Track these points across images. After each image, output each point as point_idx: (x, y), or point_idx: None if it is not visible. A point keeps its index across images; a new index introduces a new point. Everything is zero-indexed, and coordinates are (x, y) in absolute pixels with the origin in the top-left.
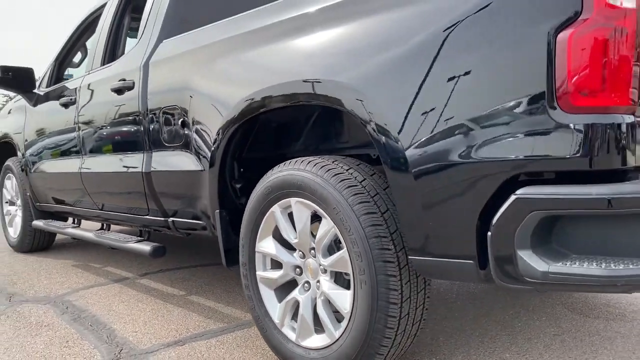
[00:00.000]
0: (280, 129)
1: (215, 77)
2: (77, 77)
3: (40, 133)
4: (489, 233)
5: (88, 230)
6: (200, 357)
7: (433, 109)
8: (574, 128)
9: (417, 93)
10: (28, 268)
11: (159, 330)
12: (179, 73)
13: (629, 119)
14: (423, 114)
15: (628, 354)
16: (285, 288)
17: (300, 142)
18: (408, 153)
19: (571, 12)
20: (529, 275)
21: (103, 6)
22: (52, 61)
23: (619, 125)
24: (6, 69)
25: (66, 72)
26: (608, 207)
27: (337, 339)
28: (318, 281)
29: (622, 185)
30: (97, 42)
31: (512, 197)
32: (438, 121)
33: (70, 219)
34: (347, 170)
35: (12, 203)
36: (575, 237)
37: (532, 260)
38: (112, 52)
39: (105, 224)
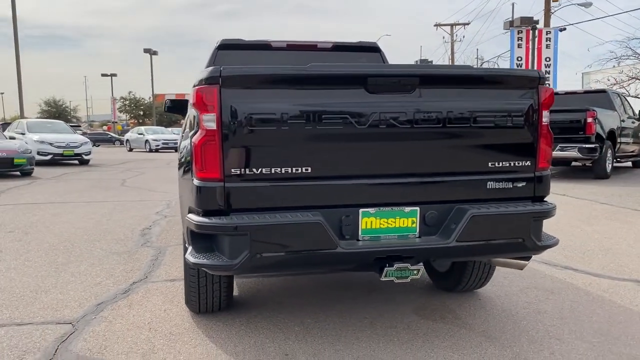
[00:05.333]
0: None
1: None
2: None
3: None
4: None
5: None
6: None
7: None
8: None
9: None
10: None
11: None
12: None
13: (219, 184)
14: None
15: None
16: None
17: None
18: None
19: None
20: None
21: None
22: None
23: (215, 187)
24: (172, 101)
25: None
26: (207, 229)
27: None
28: None
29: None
30: None
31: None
32: None
33: None
34: None
35: None
36: (198, 242)
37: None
38: None
39: None
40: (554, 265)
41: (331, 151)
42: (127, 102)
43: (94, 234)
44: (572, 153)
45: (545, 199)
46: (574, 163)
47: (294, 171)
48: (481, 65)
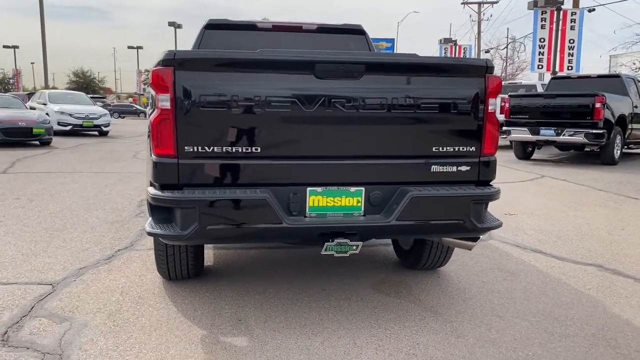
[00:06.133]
0: None
1: None
2: None
3: None
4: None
5: None
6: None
7: None
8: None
9: None
10: None
11: None
12: None
13: (174, 160)
14: None
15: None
16: None
17: None
18: None
19: None
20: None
21: None
22: None
23: (169, 163)
24: None
25: None
26: (161, 202)
27: None
28: None
29: (166, 192)
30: None
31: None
32: None
33: None
34: None
35: None
36: (157, 214)
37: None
38: None
39: None
40: (524, 248)
41: (280, 133)
42: None
43: (93, 204)
44: (579, 138)
45: (490, 183)
46: (586, 148)
47: (244, 150)
48: (508, 44)
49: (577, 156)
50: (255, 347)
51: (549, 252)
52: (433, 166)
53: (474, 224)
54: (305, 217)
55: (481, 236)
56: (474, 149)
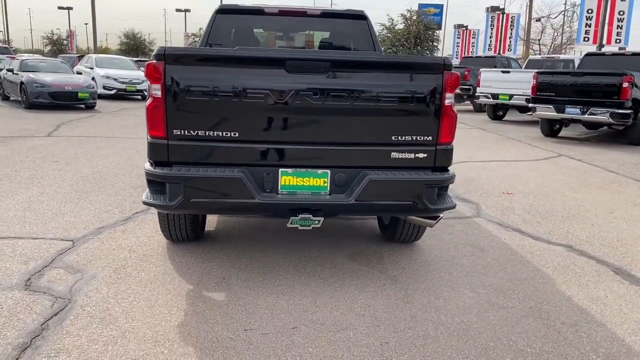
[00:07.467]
0: None
1: None
2: None
3: None
4: None
5: None
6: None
7: None
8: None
9: None
10: None
11: None
12: None
13: (164, 141)
14: None
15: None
16: None
17: None
18: None
19: None
20: None
21: None
22: None
23: (161, 144)
24: None
25: None
26: (153, 177)
27: None
28: None
29: (157, 168)
30: None
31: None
32: None
33: None
34: None
35: None
36: (152, 186)
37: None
38: None
39: None
40: (506, 226)
41: (255, 120)
42: (198, 38)
43: (123, 168)
44: (603, 118)
45: (447, 169)
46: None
47: (224, 135)
48: (560, 13)
49: (607, 135)
50: (230, 301)
51: (528, 231)
52: (393, 153)
53: (426, 205)
54: (278, 194)
55: (441, 215)
56: (431, 138)
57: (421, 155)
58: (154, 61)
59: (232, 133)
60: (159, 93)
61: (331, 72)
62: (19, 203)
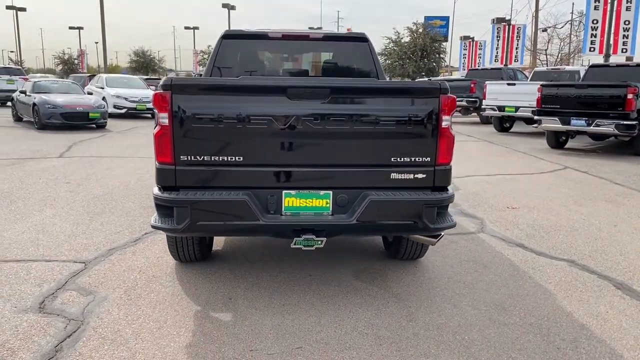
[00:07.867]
0: None
1: None
2: None
3: None
4: None
5: None
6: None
7: None
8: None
9: None
10: None
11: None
12: None
13: (172, 167)
14: None
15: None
16: None
17: None
18: None
19: None
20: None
21: None
22: None
23: (168, 169)
24: None
25: None
26: (160, 201)
27: None
28: None
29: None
30: None
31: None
32: None
33: None
34: None
35: None
36: (160, 209)
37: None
38: None
39: None
40: (509, 242)
41: (259, 145)
42: (207, 55)
43: (133, 189)
44: (609, 129)
45: (447, 188)
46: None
47: (229, 159)
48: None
49: (613, 145)
50: (236, 321)
51: (530, 246)
52: (392, 174)
53: (426, 224)
54: (282, 215)
55: (442, 233)
56: (429, 159)
57: (420, 175)
58: (161, 91)
59: (236, 157)
60: (166, 121)
61: (331, 98)
62: (33, 225)
